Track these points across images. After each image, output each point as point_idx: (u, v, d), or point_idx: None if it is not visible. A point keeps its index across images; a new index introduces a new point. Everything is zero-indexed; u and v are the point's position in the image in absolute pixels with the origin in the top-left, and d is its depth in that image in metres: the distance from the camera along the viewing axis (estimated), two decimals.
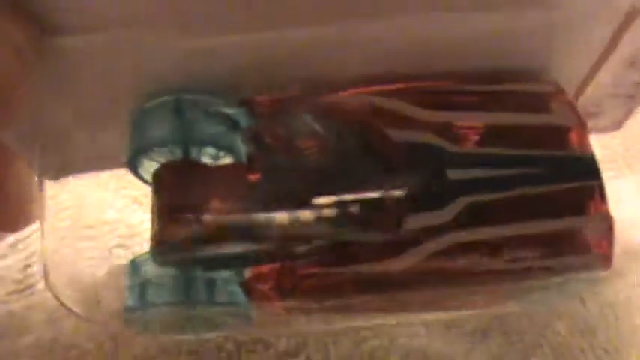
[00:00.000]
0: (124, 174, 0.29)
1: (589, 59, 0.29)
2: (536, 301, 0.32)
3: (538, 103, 0.28)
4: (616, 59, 0.29)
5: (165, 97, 0.27)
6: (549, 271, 0.27)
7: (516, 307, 0.33)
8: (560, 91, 0.29)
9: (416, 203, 0.25)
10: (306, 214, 0.25)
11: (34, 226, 0.33)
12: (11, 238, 0.39)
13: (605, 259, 0.28)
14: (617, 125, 0.33)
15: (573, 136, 0.28)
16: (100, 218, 0.37)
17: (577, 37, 0.28)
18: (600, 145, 0.45)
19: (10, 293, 0.38)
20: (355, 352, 0.36)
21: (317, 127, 0.26)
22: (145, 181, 0.29)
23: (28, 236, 0.39)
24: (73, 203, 0.31)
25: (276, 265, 0.26)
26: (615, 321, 0.38)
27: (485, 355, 0.36)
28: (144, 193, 0.32)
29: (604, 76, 0.30)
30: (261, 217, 0.25)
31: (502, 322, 0.38)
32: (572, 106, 0.29)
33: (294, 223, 0.25)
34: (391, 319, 0.33)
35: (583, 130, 0.28)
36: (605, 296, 0.39)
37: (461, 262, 0.26)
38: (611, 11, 0.27)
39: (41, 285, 0.38)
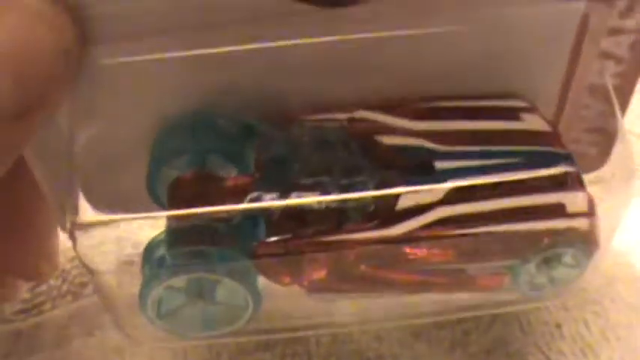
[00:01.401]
0: None
1: (554, 83, 0.32)
2: (530, 290, 0.32)
3: (512, 113, 0.31)
4: (578, 86, 0.32)
5: (182, 115, 0.29)
6: (533, 242, 0.30)
7: (512, 297, 0.34)
8: (533, 108, 0.31)
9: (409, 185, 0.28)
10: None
11: None
12: None
13: (588, 235, 0.30)
14: (597, 164, 0.34)
15: (548, 138, 0.30)
16: None
17: (535, 61, 0.31)
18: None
19: (17, 312, 0.38)
20: None
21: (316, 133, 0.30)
22: (162, 204, 0.30)
23: None
24: None
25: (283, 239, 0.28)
26: (617, 341, 0.38)
27: None
28: None
29: (571, 105, 0.32)
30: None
31: (505, 342, 0.38)
32: (543, 117, 0.31)
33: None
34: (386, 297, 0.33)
35: (557, 136, 0.30)
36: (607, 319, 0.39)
37: (451, 231, 0.28)
38: (562, 35, 0.30)
39: (49, 305, 0.39)
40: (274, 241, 0.28)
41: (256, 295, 0.29)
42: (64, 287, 0.39)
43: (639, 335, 0.38)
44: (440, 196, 0.27)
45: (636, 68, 0.31)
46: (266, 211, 0.28)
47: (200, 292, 0.29)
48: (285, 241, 0.28)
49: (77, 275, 0.40)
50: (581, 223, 0.29)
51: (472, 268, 0.31)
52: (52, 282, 0.39)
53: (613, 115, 0.31)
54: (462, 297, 0.34)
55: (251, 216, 0.28)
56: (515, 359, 0.38)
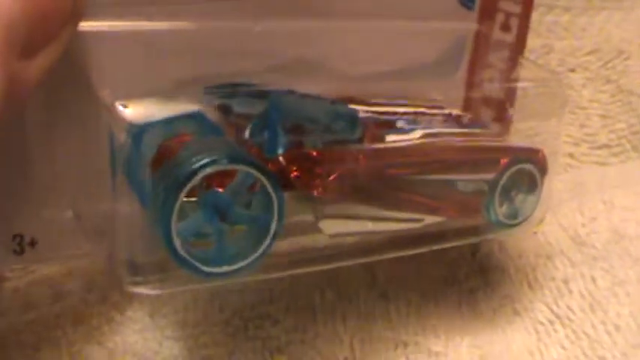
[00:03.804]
0: None
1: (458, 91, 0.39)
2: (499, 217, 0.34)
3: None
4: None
5: None
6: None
7: (483, 221, 0.35)
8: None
9: None
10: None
11: None
12: None
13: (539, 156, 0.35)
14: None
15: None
16: None
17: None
18: (607, 130, 0.46)
19: (12, 270, 0.37)
20: (365, 327, 0.36)
21: None
22: None
23: None
24: None
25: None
26: (626, 297, 0.37)
27: None
28: None
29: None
30: None
31: (512, 299, 0.38)
32: None
33: None
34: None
35: None
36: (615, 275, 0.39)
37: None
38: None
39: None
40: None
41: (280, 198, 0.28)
42: None
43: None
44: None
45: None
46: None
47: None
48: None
49: None
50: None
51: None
52: None
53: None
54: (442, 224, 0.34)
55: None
56: (523, 316, 0.38)
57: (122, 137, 0.27)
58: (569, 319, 0.37)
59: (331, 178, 0.30)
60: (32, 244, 0.31)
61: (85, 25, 0.27)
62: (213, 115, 0.29)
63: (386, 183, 0.33)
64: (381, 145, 0.32)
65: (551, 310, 0.37)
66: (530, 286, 0.38)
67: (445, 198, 0.34)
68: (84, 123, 0.30)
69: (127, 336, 0.34)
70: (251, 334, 0.35)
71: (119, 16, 0.29)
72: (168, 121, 0.28)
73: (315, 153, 0.30)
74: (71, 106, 0.30)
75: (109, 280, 0.35)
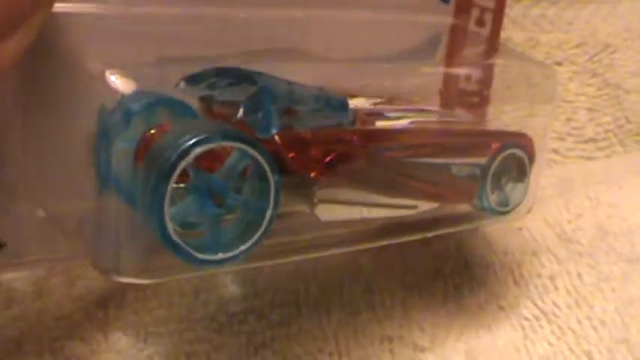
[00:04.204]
0: None
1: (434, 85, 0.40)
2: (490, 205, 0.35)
3: None
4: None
5: None
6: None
7: (475, 208, 0.35)
8: None
9: None
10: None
11: None
12: None
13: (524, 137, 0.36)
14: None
15: None
16: None
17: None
18: (594, 124, 0.46)
19: None
20: (350, 321, 0.36)
21: None
22: None
23: None
24: None
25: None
26: (611, 293, 0.37)
27: None
28: None
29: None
30: None
31: (498, 295, 0.38)
32: None
33: None
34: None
35: None
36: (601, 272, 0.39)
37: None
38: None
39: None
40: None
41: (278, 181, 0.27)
42: None
43: (633, 287, 0.38)
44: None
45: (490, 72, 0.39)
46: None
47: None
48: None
49: None
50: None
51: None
52: None
53: None
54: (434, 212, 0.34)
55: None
56: (509, 312, 0.38)
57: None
58: (555, 315, 0.37)
59: (327, 159, 0.30)
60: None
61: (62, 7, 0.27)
62: (194, 105, 0.28)
63: (381, 166, 0.32)
64: (375, 127, 0.33)
65: (537, 306, 0.37)
66: (515, 282, 0.38)
67: (440, 182, 0.34)
68: (58, 113, 0.29)
69: (110, 333, 0.34)
70: (235, 329, 0.35)
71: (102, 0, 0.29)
72: (150, 106, 0.27)
73: (311, 134, 0.29)
74: (45, 94, 0.29)
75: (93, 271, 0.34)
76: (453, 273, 0.38)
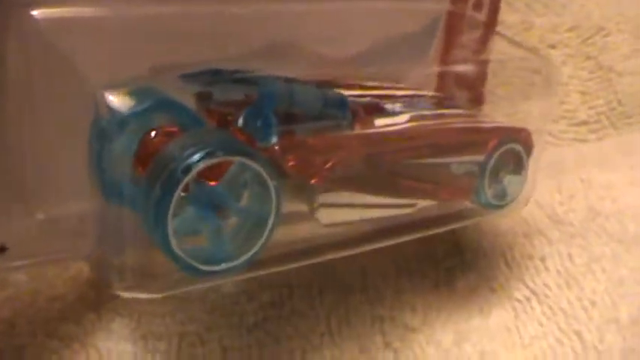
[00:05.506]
0: None
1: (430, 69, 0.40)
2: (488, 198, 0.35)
3: None
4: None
5: None
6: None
7: (473, 203, 0.35)
8: None
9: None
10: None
11: None
12: None
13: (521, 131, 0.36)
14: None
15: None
16: None
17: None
18: (587, 107, 0.46)
19: None
20: (342, 302, 0.36)
21: None
22: None
23: None
24: None
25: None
26: (602, 273, 0.38)
27: None
28: None
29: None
30: None
31: (489, 278, 0.38)
32: None
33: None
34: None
35: None
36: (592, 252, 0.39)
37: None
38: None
39: None
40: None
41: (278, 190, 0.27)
42: None
43: (624, 267, 0.38)
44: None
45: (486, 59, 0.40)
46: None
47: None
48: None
49: None
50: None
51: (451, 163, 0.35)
52: None
53: None
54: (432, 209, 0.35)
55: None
56: (501, 294, 0.38)
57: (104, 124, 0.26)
58: (546, 296, 0.37)
59: (328, 165, 0.30)
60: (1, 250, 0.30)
61: (62, 11, 0.27)
62: (190, 103, 0.28)
63: (381, 169, 0.32)
64: (374, 131, 0.32)
65: (528, 287, 0.38)
66: (507, 264, 0.38)
67: (440, 181, 0.34)
68: (58, 118, 0.29)
69: (104, 313, 0.34)
70: (228, 310, 0.35)
71: (96, 2, 0.29)
72: (146, 111, 0.27)
73: (311, 141, 0.30)
74: (44, 99, 0.29)
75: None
76: (445, 255, 0.39)
